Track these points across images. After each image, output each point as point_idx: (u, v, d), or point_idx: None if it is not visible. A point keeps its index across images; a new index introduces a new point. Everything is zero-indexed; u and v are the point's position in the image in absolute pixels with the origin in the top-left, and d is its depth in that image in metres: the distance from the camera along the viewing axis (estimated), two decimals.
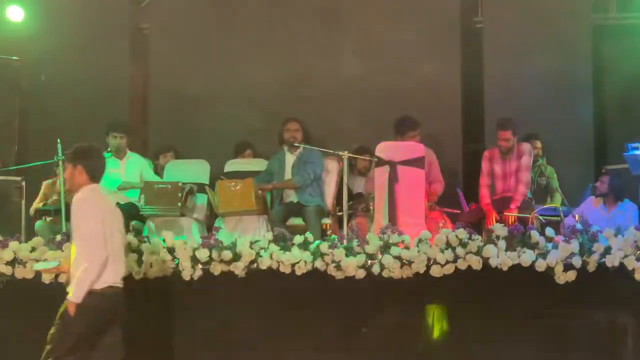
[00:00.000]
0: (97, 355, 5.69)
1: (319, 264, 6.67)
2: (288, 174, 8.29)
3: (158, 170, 9.07)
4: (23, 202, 8.42)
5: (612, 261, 6.55)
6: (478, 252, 6.62)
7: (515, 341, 6.62)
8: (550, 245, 6.64)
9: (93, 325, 5.60)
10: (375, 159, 7.87)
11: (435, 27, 9.94)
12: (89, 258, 5.49)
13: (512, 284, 6.61)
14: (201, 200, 8.30)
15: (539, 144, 9.00)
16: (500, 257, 6.60)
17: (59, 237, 6.99)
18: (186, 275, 6.72)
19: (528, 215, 7.76)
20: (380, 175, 7.74)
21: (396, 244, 6.68)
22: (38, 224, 8.56)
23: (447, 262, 6.63)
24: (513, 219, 7.88)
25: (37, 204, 8.70)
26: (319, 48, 9.99)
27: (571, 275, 6.56)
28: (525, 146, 8.34)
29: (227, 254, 6.69)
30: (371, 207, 7.94)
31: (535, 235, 6.70)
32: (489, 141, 9.59)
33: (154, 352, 6.75)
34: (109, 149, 8.35)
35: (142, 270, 6.72)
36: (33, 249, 6.86)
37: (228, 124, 9.83)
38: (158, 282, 6.75)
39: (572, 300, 6.60)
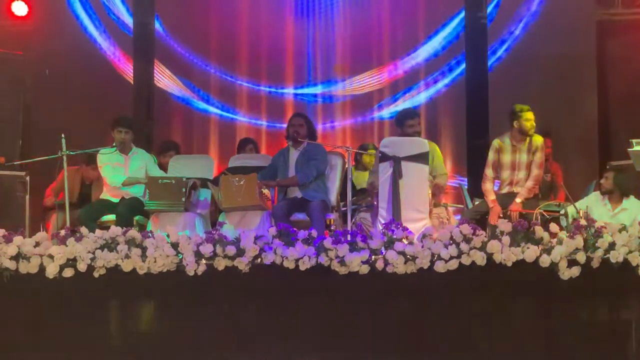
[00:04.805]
0: None
1: (322, 259, 6.66)
2: (292, 169, 8.27)
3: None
4: (27, 197, 8.43)
5: (616, 257, 6.54)
6: (482, 248, 6.61)
7: (519, 336, 6.61)
8: (554, 240, 6.64)
9: None
10: (380, 154, 7.88)
11: None
12: None
13: (516, 279, 6.60)
14: (205, 195, 8.29)
15: (549, 143, 8.95)
16: (505, 253, 6.60)
17: (62, 232, 6.99)
18: (190, 270, 6.72)
19: (532, 211, 7.75)
20: (384, 170, 7.74)
21: (400, 240, 6.67)
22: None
23: (451, 257, 6.61)
24: (516, 215, 7.87)
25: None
26: None
27: (575, 271, 6.55)
28: (540, 141, 8.27)
29: (231, 249, 6.68)
30: (375, 203, 7.94)
31: (539, 230, 6.69)
32: (493, 137, 9.59)
33: (157, 347, 6.75)
34: (114, 144, 8.36)
35: (146, 265, 6.73)
36: (37, 244, 6.87)
37: None
38: (162, 277, 6.74)
39: (576, 296, 6.59)
